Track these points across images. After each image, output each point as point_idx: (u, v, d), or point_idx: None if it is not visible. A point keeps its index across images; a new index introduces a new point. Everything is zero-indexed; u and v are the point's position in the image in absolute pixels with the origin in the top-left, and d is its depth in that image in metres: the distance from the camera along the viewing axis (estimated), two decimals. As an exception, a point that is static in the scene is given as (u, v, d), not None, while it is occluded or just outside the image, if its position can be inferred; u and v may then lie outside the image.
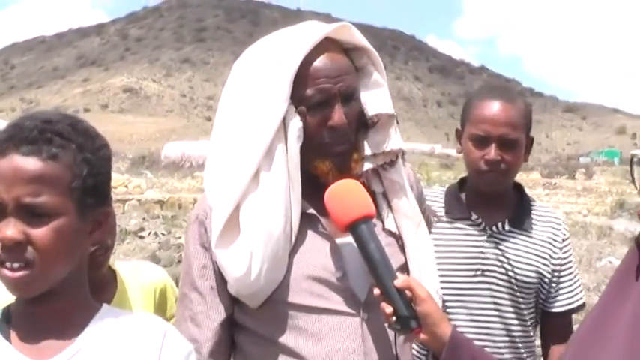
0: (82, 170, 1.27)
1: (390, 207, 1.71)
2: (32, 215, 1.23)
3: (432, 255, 1.74)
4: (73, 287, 1.32)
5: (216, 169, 1.59)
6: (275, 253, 1.52)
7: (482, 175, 2.19)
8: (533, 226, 2.28)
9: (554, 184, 29.22)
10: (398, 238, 1.69)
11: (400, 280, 1.49)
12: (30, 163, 1.24)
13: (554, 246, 2.27)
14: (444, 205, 2.32)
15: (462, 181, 2.39)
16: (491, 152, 2.14)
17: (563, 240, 2.30)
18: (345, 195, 1.53)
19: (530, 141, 2.26)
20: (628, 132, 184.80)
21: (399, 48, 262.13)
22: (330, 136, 1.57)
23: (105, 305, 1.39)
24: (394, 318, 1.48)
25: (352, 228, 1.52)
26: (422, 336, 1.49)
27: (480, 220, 2.24)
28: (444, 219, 2.28)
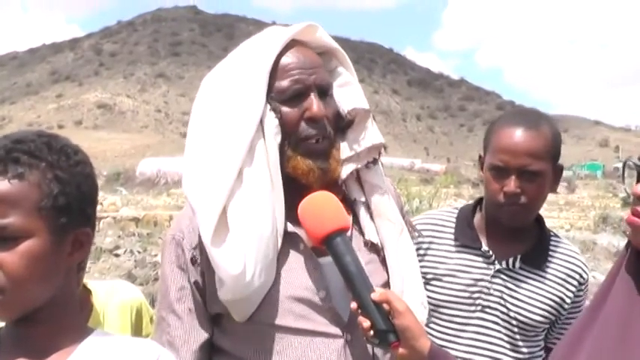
0: (52, 189, 1.23)
1: (371, 216, 1.68)
2: (0, 238, 1.19)
3: (415, 263, 1.70)
4: (59, 309, 1.29)
5: (198, 172, 1.55)
6: (266, 254, 1.49)
7: (500, 208, 2.02)
8: (548, 265, 2.10)
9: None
10: (379, 251, 1.66)
11: (377, 293, 1.46)
12: None
13: (568, 289, 2.10)
14: (453, 228, 2.16)
15: (479, 202, 2.19)
16: (511, 184, 1.96)
17: (580, 284, 2.12)
18: (318, 208, 1.51)
19: (559, 169, 2.08)
20: (611, 144, 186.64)
21: (377, 61, 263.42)
22: (310, 127, 1.55)
23: (97, 329, 1.37)
24: (372, 332, 1.45)
25: (327, 241, 1.49)
26: (401, 350, 1.46)
27: (491, 253, 2.08)
28: (452, 244, 2.13)
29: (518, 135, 1.97)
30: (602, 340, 1.25)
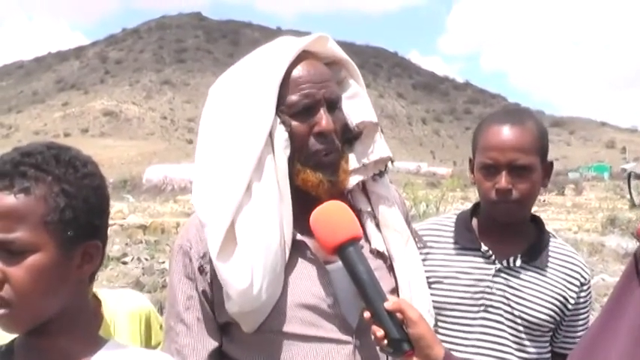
0: (59, 202, 1.22)
1: (377, 225, 1.68)
2: (7, 252, 1.19)
3: (422, 272, 1.71)
4: (71, 321, 1.29)
5: (207, 184, 1.55)
6: (274, 267, 1.49)
7: (494, 206, 2.05)
8: (548, 264, 2.11)
9: (543, 200, 28.79)
10: (386, 259, 1.66)
11: (390, 302, 1.46)
12: (1, 199, 1.20)
13: (570, 289, 2.11)
14: (452, 232, 2.18)
15: (476, 207, 2.23)
16: (502, 180, 1.99)
17: (582, 284, 2.13)
18: (331, 217, 1.51)
19: (548, 165, 2.11)
20: (617, 146, 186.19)
21: (382, 65, 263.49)
22: (319, 141, 1.56)
23: (110, 340, 1.36)
24: (386, 341, 1.45)
25: (339, 251, 1.49)
26: (415, 359, 1.46)
27: (490, 253, 2.09)
28: (452, 247, 2.15)
29: (505, 131, 2.01)
30: (621, 344, 1.25)
